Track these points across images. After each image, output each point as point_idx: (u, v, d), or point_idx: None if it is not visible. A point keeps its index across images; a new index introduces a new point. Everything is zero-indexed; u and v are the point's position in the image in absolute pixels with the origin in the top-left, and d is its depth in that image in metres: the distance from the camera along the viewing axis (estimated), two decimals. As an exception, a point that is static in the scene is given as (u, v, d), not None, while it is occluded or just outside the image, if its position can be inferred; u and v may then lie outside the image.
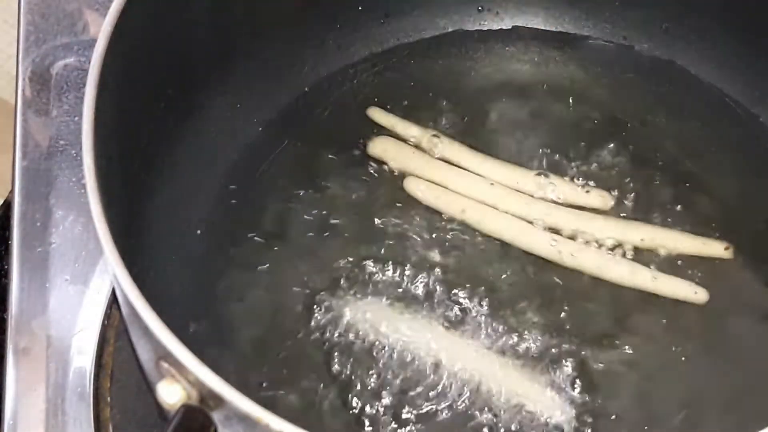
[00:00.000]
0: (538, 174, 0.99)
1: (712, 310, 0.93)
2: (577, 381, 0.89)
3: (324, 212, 0.97)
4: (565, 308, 0.92)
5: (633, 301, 0.93)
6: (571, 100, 1.04)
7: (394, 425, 0.87)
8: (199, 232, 0.96)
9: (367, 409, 0.88)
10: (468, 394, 0.87)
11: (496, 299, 0.92)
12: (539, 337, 0.90)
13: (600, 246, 0.95)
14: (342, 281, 0.93)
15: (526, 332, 0.91)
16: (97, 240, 0.72)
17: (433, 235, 0.96)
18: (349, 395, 0.88)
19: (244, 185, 0.99)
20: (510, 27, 1.09)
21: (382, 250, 0.95)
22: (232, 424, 0.68)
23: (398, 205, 0.98)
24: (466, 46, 1.08)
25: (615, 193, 0.98)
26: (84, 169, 0.74)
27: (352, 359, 0.90)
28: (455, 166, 1.00)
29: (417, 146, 1.01)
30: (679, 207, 0.97)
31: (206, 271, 0.94)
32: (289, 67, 1.04)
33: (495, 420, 0.86)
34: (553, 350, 0.90)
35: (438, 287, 0.93)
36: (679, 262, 0.95)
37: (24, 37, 1.06)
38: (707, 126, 1.03)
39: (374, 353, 0.90)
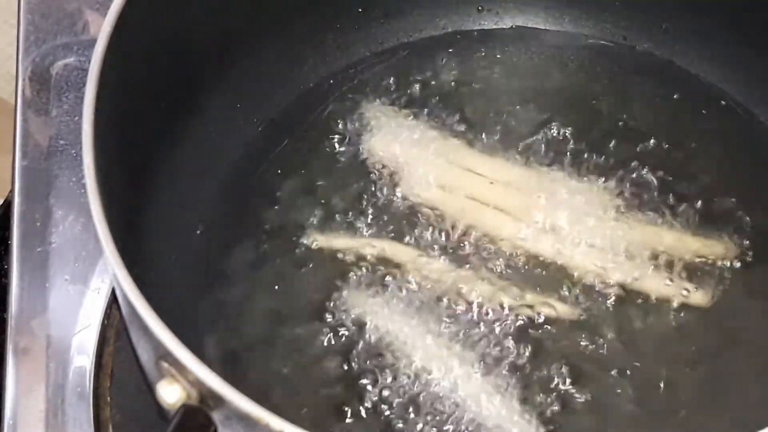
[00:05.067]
0: (539, 173, 0.99)
1: (714, 313, 0.92)
2: (573, 386, 0.89)
3: (324, 211, 0.97)
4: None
5: (633, 302, 0.93)
6: (571, 101, 1.04)
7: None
8: (199, 232, 0.96)
9: (371, 411, 0.88)
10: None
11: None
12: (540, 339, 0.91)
13: (600, 247, 0.95)
14: (343, 280, 0.93)
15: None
16: (97, 240, 0.72)
17: (433, 235, 0.96)
18: (354, 396, 0.88)
19: (244, 185, 0.99)
20: (510, 27, 1.09)
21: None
22: (232, 424, 0.68)
23: (398, 204, 0.98)
24: (466, 46, 1.08)
25: (615, 193, 0.98)
26: (84, 169, 0.74)
27: (354, 359, 0.90)
28: (455, 165, 1.00)
29: (416, 145, 1.01)
30: (679, 208, 0.97)
31: (206, 271, 0.94)
32: (289, 67, 1.04)
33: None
34: (548, 355, 0.90)
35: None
36: (680, 263, 0.95)
37: (24, 37, 1.06)
38: (707, 126, 1.03)
39: (381, 355, 0.90)
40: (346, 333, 0.91)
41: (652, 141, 1.01)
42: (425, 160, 1.00)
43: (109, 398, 0.92)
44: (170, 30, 0.89)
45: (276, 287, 0.94)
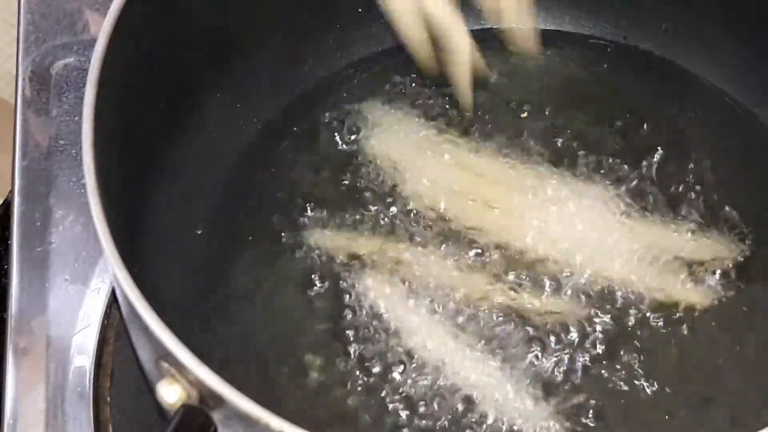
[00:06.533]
0: (538, 173, 0.99)
1: (714, 313, 0.92)
2: (573, 385, 0.89)
3: (324, 211, 0.97)
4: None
5: (634, 302, 0.93)
6: (570, 101, 1.04)
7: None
8: (199, 231, 0.96)
9: (373, 411, 0.88)
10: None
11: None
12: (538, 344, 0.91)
13: (601, 248, 0.95)
14: (344, 277, 0.93)
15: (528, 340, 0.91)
16: (97, 240, 0.72)
17: (433, 235, 0.96)
18: (355, 395, 0.88)
19: (244, 185, 0.99)
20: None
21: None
22: (232, 424, 0.68)
23: (398, 204, 0.98)
24: (466, 46, 1.08)
25: (615, 194, 0.98)
26: (84, 169, 0.75)
27: (355, 358, 0.90)
28: (455, 165, 1.00)
29: (416, 145, 1.01)
30: (679, 208, 0.97)
31: (207, 271, 0.94)
32: (289, 67, 1.04)
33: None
34: (548, 354, 0.90)
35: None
36: (680, 264, 0.95)
37: (24, 37, 1.06)
38: (707, 126, 1.03)
39: (382, 354, 0.90)
40: (348, 332, 0.91)
41: (652, 141, 1.01)
42: (425, 160, 1.00)
43: (109, 398, 0.92)
44: (170, 30, 0.90)
45: (276, 287, 0.94)
